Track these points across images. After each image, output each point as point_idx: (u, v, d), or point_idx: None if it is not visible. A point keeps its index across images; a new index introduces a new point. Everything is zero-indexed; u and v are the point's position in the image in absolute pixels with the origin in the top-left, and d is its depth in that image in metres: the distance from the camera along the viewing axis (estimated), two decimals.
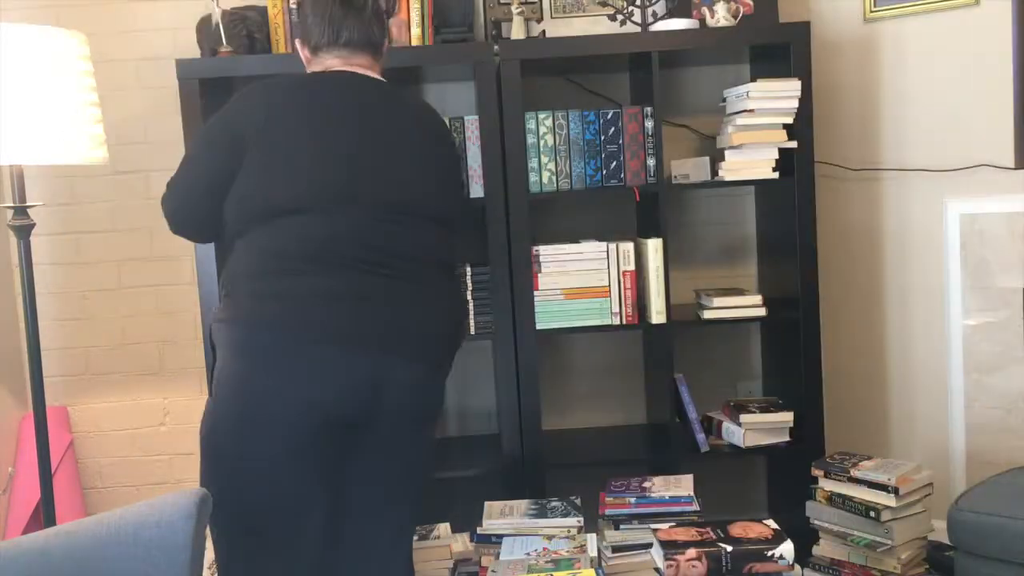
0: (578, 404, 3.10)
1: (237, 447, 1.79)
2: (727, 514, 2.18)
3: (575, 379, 3.10)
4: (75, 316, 3.02)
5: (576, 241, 2.77)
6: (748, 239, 3.07)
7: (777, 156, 2.68)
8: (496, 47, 2.65)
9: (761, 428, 2.72)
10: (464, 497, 3.01)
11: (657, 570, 2.06)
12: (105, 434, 3.06)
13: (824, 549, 2.57)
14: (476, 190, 2.68)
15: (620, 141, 2.69)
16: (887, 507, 2.43)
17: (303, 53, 2.04)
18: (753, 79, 2.78)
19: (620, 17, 2.75)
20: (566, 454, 2.84)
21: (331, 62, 1.98)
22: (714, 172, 2.75)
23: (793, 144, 2.67)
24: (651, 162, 2.69)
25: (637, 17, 2.76)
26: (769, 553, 1.96)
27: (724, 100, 2.79)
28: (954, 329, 2.87)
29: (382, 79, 2.01)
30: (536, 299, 2.68)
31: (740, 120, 2.66)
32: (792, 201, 2.71)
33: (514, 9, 2.79)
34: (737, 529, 2.06)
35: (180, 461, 3.08)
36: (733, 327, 2.94)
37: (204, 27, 2.71)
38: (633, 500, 2.28)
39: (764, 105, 2.64)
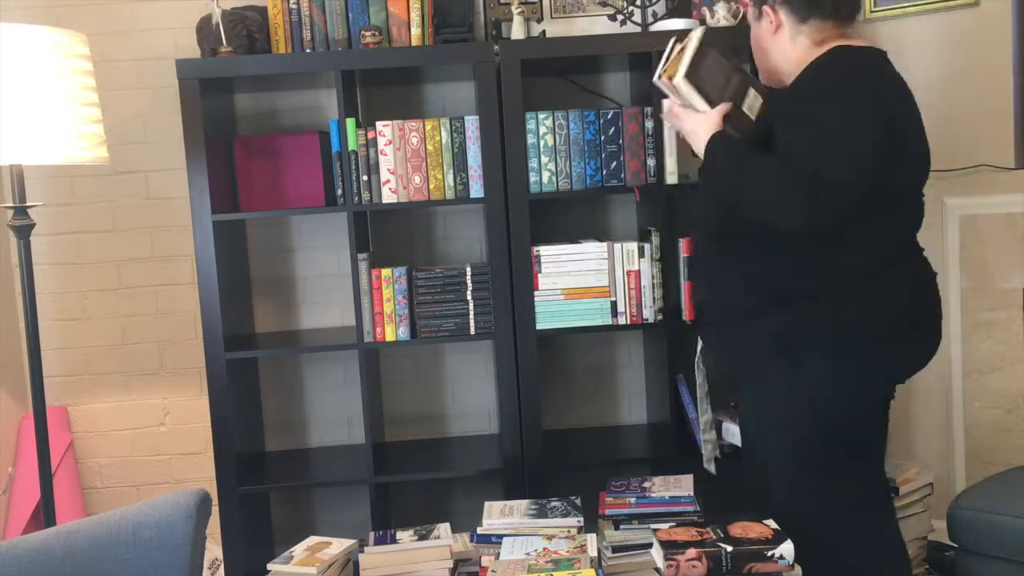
0: (578, 404, 3.10)
1: None
2: (727, 514, 2.17)
3: (575, 379, 3.09)
4: (75, 316, 3.02)
5: (576, 241, 2.77)
6: None
7: None
8: (496, 47, 2.65)
9: None
10: (464, 497, 3.02)
11: (657, 570, 2.05)
12: (105, 434, 3.06)
13: None
14: (476, 190, 2.68)
15: (620, 141, 2.69)
16: None
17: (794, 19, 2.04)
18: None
19: (620, 17, 2.75)
20: (566, 454, 2.84)
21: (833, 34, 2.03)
22: None
23: None
24: (651, 162, 2.69)
25: (637, 17, 2.76)
26: (769, 553, 1.95)
27: None
28: (954, 329, 2.87)
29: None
30: (536, 299, 2.68)
31: None
32: None
33: (514, 9, 2.79)
34: (737, 529, 2.06)
35: (180, 461, 3.08)
36: None
37: (204, 27, 2.71)
38: (633, 500, 2.28)
39: None
